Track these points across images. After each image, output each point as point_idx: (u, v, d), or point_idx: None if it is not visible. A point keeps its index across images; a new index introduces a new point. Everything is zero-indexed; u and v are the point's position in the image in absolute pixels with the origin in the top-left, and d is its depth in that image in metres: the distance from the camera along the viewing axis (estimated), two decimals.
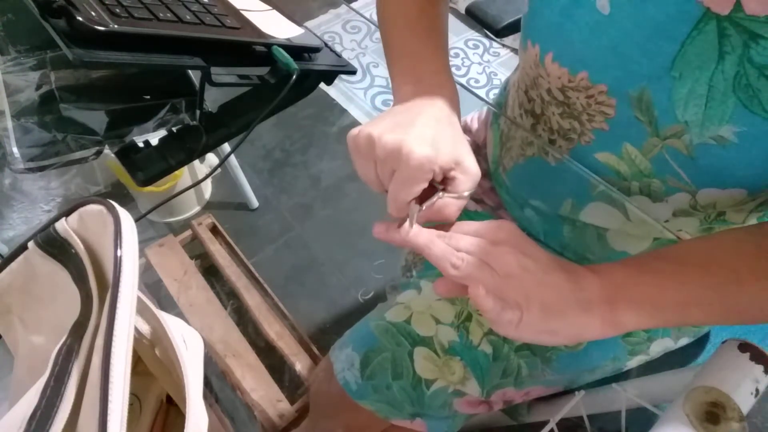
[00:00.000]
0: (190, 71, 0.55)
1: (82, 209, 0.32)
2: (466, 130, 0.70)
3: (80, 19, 0.38)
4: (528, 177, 0.53)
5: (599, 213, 0.48)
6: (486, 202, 0.63)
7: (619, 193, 0.46)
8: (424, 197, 0.37)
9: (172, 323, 0.39)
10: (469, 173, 0.37)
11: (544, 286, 0.34)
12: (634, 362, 0.56)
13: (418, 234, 0.35)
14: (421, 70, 0.44)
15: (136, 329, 0.37)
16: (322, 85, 0.59)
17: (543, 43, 0.44)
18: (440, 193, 0.37)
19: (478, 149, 0.67)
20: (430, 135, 0.36)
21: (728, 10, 0.32)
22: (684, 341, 0.56)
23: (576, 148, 0.46)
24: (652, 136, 0.40)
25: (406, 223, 0.36)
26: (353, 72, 0.59)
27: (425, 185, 0.36)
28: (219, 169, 0.57)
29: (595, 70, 0.40)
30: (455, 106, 0.42)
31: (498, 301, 0.34)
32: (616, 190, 0.46)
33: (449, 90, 0.42)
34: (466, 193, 0.37)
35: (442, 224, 0.39)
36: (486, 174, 0.65)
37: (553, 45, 0.43)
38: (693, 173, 0.40)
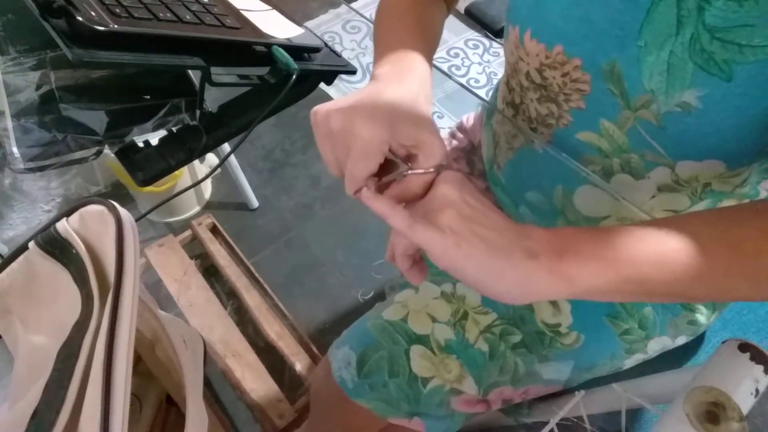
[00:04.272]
0: (190, 71, 0.55)
1: (83, 209, 0.32)
2: (462, 130, 0.70)
3: (80, 19, 0.38)
4: (519, 170, 0.54)
5: (589, 198, 0.49)
6: None
7: (600, 179, 0.47)
8: (385, 175, 0.37)
9: (172, 323, 0.40)
10: (430, 151, 0.36)
11: (487, 225, 0.32)
12: (632, 361, 0.56)
13: (381, 203, 0.34)
14: (399, 55, 0.44)
15: (137, 329, 0.37)
16: (322, 85, 0.59)
17: (522, 22, 0.46)
18: (404, 166, 0.37)
19: (474, 150, 0.67)
20: (389, 112, 0.36)
21: None
22: (682, 340, 0.56)
23: (557, 132, 0.48)
24: (624, 108, 0.41)
25: (365, 188, 0.35)
26: (353, 72, 0.59)
27: (380, 160, 0.35)
28: (219, 169, 0.57)
29: (569, 42, 0.42)
30: (425, 86, 0.42)
31: (430, 225, 0.32)
32: (596, 175, 0.47)
33: (421, 71, 0.43)
34: (432, 168, 0.36)
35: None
36: (481, 174, 0.65)
37: (532, 22, 0.44)
38: (665, 144, 0.41)
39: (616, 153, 0.44)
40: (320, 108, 0.38)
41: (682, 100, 0.37)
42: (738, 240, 0.31)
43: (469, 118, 0.70)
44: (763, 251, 0.30)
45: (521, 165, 0.53)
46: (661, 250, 0.31)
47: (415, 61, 0.44)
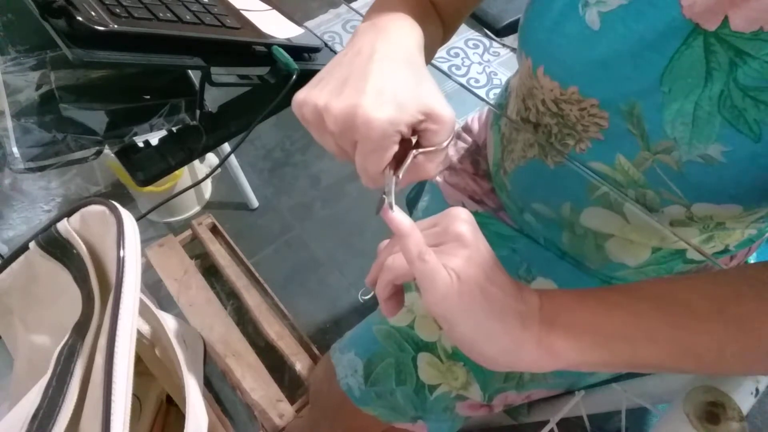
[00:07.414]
0: (190, 71, 0.55)
1: (84, 209, 0.32)
2: (467, 130, 0.70)
3: (80, 19, 0.38)
4: (527, 180, 0.53)
5: (597, 217, 0.48)
6: (486, 203, 0.63)
7: (620, 193, 0.45)
8: (399, 157, 0.32)
9: (172, 323, 0.40)
10: (441, 121, 0.31)
11: (494, 279, 0.30)
12: None
13: (401, 220, 0.30)
14: (386, 12, 0.38)
15: (137, 329, 0.37)
16: None
17: (535, 55, 0.44)
18: (413, 152, 0.32)
19: (479, 150, 0.67)
20: (389, 87, 0.30)
21: (715, 26, 0.32)
22: None
23: (571, 154, 0.46)
24: (644, 149, 0.40)
25: (386, 205, 0.31)
26: None
27: (395, 149, 0.31)
28: (219, 169, 0.57)
29: (585, 84, 0.40)
30: (417, 40, 0.36)
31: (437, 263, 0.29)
32: (617, 190, 0.45)
33: (410, 24, 0.37)
34: (445, 143, 0.32)
35: None
36: (486, 175, 0.65)
37: (544, 58, 0.42)
38: (684, 188, 0.40)
39: (630, 186, 0.43)
40: (305, 102, 0.31)
41: (705, 153, 0.36)
42: (735, 319, 0.30)
43: (473, 119, 0.70)
44: (760, 332, 0.29)
45: (530, 174, 0.52)
46: (656, 326, 0.30)
47: (405, 16, 0.37)
